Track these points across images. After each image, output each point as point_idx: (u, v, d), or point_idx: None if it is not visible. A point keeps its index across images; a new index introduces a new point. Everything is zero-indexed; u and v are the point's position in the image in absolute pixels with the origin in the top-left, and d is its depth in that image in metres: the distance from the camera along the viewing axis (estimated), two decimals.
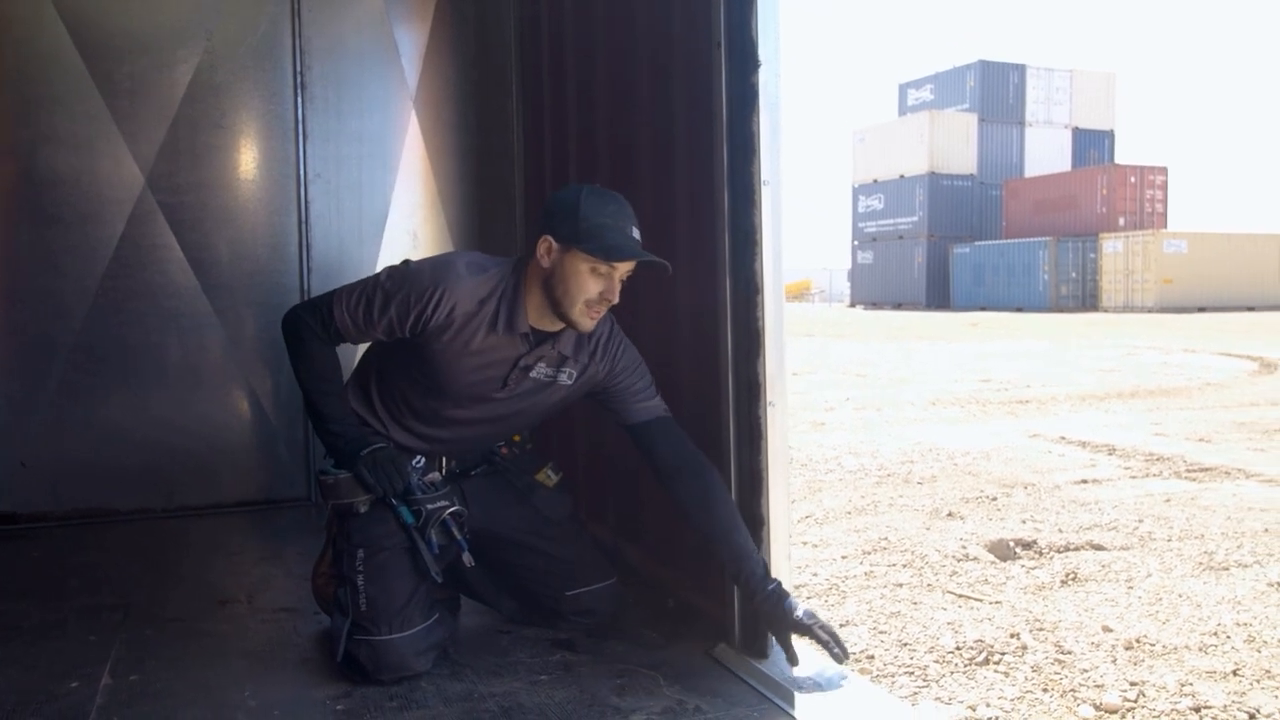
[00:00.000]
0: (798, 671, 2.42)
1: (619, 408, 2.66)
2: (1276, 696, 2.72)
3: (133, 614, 3.00)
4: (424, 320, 2.44)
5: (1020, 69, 43.78)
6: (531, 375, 2.57)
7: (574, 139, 3.67)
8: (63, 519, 4.15)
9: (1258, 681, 2.82)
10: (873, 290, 43.63)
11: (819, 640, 2.38)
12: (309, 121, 4.47)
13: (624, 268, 2.42)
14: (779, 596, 2.43)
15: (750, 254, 2.45)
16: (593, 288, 2.41)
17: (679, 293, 2.89)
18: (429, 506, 2.49)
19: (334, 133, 4.51)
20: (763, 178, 2.42)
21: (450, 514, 2.50)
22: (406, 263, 2.54)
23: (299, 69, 4.42)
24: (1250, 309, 32.05)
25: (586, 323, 2.46)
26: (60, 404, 4.19)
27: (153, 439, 4.30)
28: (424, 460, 2.63)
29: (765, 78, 2.40)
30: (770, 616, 2.43)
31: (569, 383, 2.62)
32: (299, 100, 4.44)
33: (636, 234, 2.42)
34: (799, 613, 2.40)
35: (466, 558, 2.50)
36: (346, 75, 4.52)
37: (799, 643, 2.45)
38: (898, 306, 40.43)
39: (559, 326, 2.52)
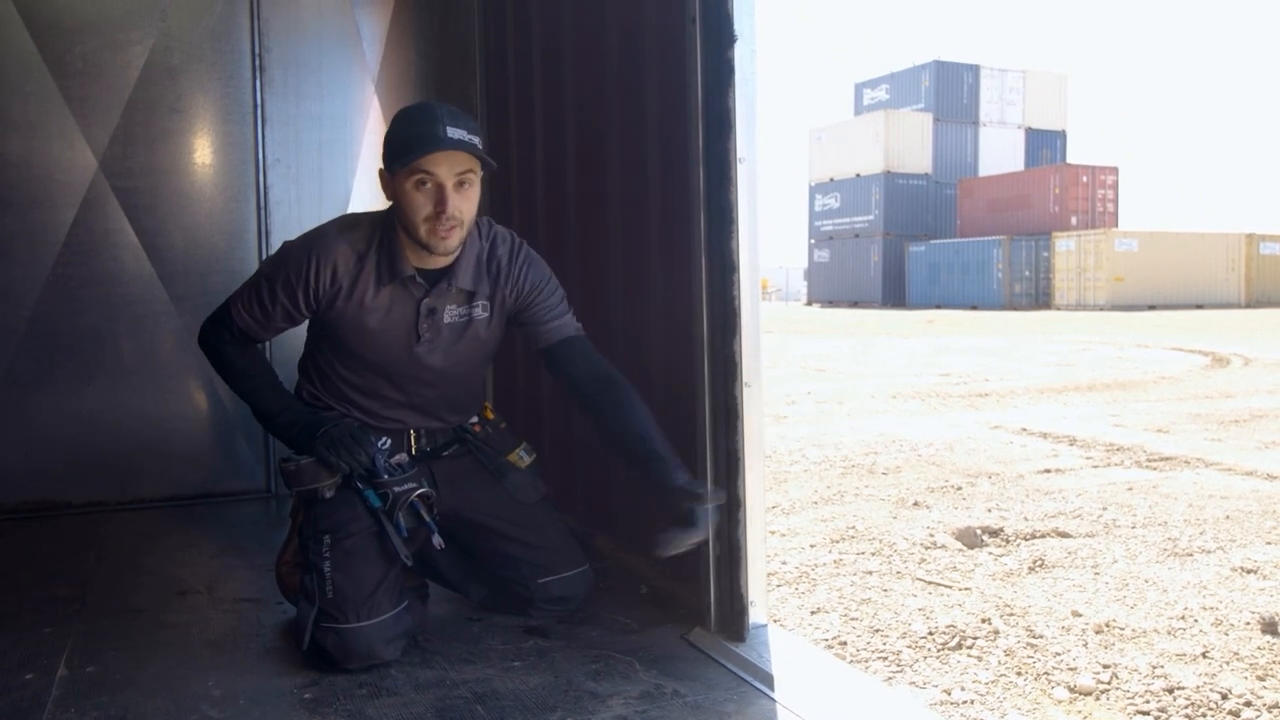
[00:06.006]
0: (774, 656, 2.39)
1: (532, 330, 2.60)
2: (1246, 678, 2.73)
3: (89, 605, 2.91)
4: (312, 293, 2.41)
5: (974, 69, 44.16)
6: (446, 321, 2.51)
7: (540, 120, 3.62)
8: (12, 512, 4.02)
9: (1227, 663, 2.84)
10: (829, 288, 43.84)
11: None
12: (267, 105, 4.36)
13: (447, 170, 2.30)
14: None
15: (726, 232, 2.40)
16: (423, 202, 2.32)
17: (651, 272, 2.85)
18: (396, 489, 2.42)
19: (293, 117, 4.41)
20: (738, 155, 2.38)
21: (418, 496, 2.44)
22: (283, 245, 2.51)
23: (257, 51, 4.32)
24: (1199, 307, 32.59)
25: (439, 242, 2.35)
26: (10, 393, 4.06)
27: (107, 430, 4.18)
28: (390, 441, 2.56)
29: (741, 53, 2.36)
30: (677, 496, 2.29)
31: (485, 315, 2.55)
32: (257, 83, 4.33)
33: (453, 131, 2.27)
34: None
35: (436, 540, 2.43)
36: (306, 57, 4.42)
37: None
38: (854, 304, 40.65)
39: (442, 261, 2.46)
